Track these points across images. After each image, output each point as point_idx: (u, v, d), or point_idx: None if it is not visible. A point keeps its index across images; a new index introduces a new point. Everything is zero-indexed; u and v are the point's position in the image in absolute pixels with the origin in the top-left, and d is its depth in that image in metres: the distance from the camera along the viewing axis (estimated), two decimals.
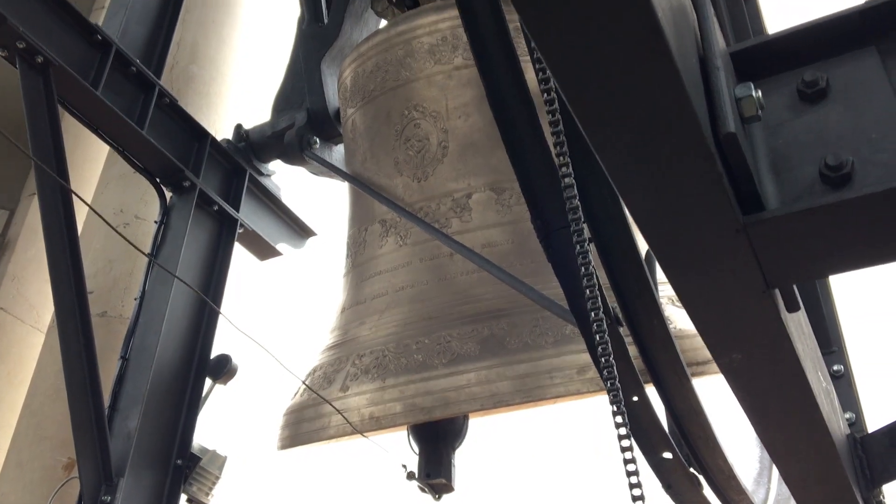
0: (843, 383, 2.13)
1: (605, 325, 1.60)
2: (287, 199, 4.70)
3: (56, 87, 3.30)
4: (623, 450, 1.53)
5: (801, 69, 1.02)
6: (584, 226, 1.91)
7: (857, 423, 2.09)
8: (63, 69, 3.33)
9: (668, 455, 2.34)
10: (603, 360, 1.57)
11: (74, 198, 3.36)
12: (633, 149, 0.83)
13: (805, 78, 1.00)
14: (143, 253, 3.69)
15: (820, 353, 1.55)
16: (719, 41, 0.96)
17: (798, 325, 1.24)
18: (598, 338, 1.58)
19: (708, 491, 2.47)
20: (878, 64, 1.00)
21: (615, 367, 1.83)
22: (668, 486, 2.44)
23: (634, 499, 1.54)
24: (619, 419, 1.52)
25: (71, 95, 3.45)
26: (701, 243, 0.93)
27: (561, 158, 1.77)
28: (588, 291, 1.62)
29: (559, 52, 0.73)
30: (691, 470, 2.40)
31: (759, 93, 0.94)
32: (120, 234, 3.19)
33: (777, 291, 1.04)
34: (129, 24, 3.84)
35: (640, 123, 0.80)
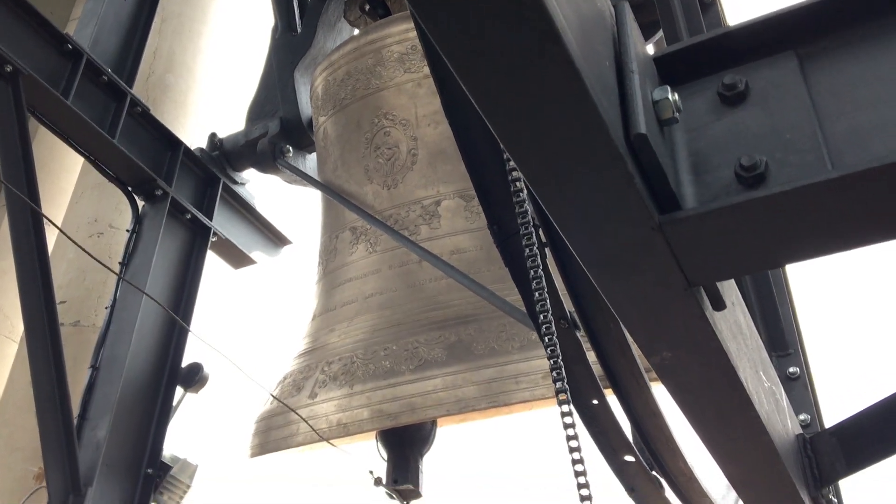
0: (799, 385, 2.16)
1: (553, 327, 1.61)
2: (264, 208, 4.71)
3: (25, 97, 3.30)
4: (571, 450, 1.55)
5: (723, 73, 1.05)
6: (539, 231, 1.93)
7: (812, 424, 2.11)
8: (33, 78, 3.33)
9: (629, 458, 2.37)
10: (552, 361, 1.58)
11: (48, 205, 3.35)
12: (542, 149, 0.85)
13: (725, 81, 1.02)
14: (111, 270, 3.69)
15: (765, 354, 1.57)
16: (637, 46, 0.98)
17: (733, 323, 1.25)
18: (546, 339, 1.60)
19: (671, 494, 2.49)
20: (795, 67, 1.02)
21: (564, 370, 1.85)
22: (632, 490, 2.46)
23: (582, 499, 1.56)
24: (567, 420, 1.54)
25: (41, 105, 3.46)
26: (619, 242, 0.94)
27: (511, 163, 1.79)
28: (537, 294, 1.64)
29: (460, 53, 0.74)
30: (653, 473, 2.42)
31: (676, 96, 0.96)
32: (85, 251, 3.19)
33: (702, 291, 1.06)
34: (100, 34, 3.85)
35: (546, 125, 0.82)
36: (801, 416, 2.08)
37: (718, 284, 1.10)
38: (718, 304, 1.08)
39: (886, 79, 0.95)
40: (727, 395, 1.19)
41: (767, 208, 0.91)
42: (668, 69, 1.07)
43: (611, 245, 0.95)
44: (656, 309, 1.05)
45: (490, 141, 1.95)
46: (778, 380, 1.72)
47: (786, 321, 2.24)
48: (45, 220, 3.29)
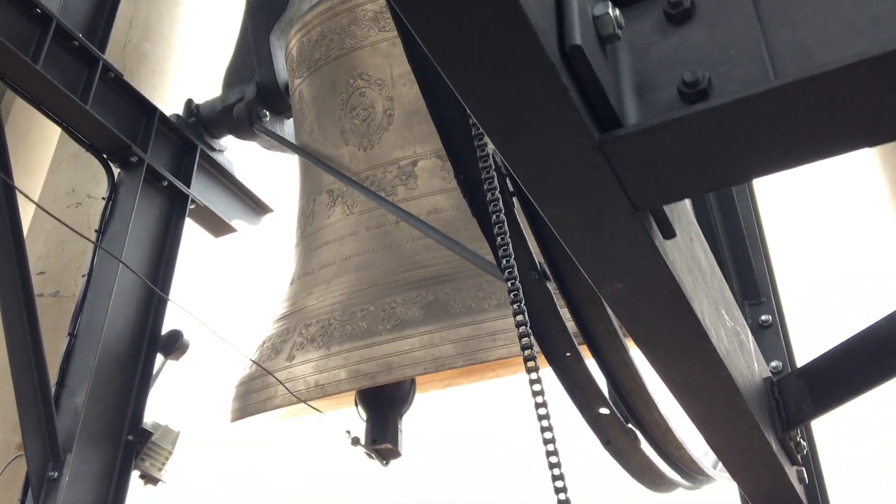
0: (772, 333, 2.15)
1: (516, 272, 1.59)
2: (247, 177, 4.66)
3: None
4: (534, 393, 1.53)
5: None
6: (507, 181, 1.91)
7: (784, 371, 2.10)
8: (0, 43, 3.27)
9: (604, 411, 2.36)
10: (515, 305, 1.56)
11: (26, 176, 3.31)
12: (473, 63, 0.82)
13: None
14: (86, 238, 3.66)
15: (729, 295, 1.55)
16: None
17: (690, 258, 1.24)
18: (510, 284, 1.58)
19: (647, 447, 2.49)
20: None
21: (535, 321, 1.84)
22: (607, 442, 2.45)
23: (549, 454, 1.55)
24: (530, 363, 1.52)
25: (10, 70, 3.40)
26: (559, 162, 0.92)
27: None
28: (499, 239, 1.61)
29: None
30: (629, 425, 2.41)
31: (617, 11, 0.93)
32: (59, 221, 3.16)
33: (650, 217, 1.04)
34: None
35: (474, 34, 0.79)
36: (773, 363, 2.08)
37: (670, 214, 1.08)
38: (668, 232, 1.06)
39: None
40: (681, 328, 1.17)
41: (709, 122, 0.88)
42: None
43: (551, 165, 0.92)
44: (603, 236, 1.02)
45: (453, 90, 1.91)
46: (745, 323, 1.70)
47: (758, 269, 2.22)
48: (29, 183, 3.25)
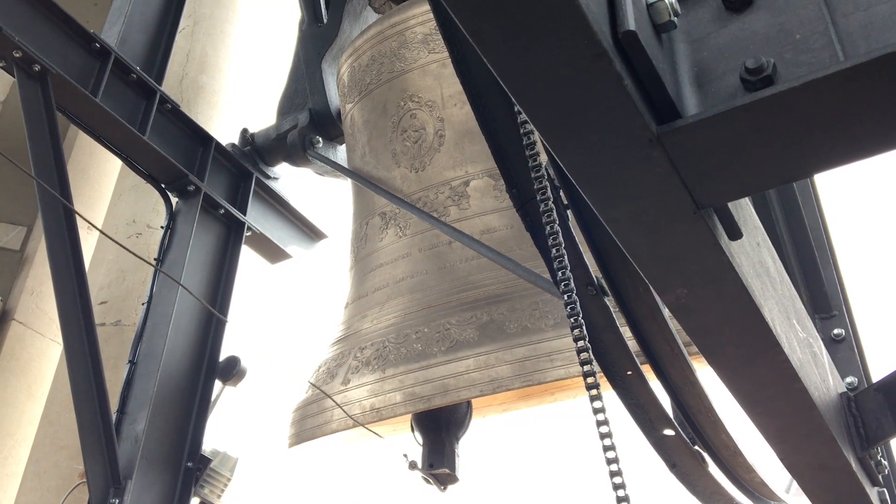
0: (845, 347, 2.04)
1: (572, 284, 1.54)
2: (300, 203, 4.70)
3: (55, 95, 3.32)
4: (598, 420, 1.47)
5: None
6: (560, 193, 1.86)
7: (860, 387, 1.99)
8: (61, 77, 3.35)
9: (669, 432, 2.27)
10: (573, 319, 1.51)
11: (88, 209, 3.37)
12: (523, 53, 0.78)
13: None
14: (148, 262, 3.70)
15: (800, 305, 1.47)
16: None
17: (758, 263, 1.17)
18: (566, 297, 1.52)
19: (715, 469, 2.38)
20: None
21: (593, 339, 1.78)
22: (673, 465, 2.36)
23: (610, 465, 1.48)
24: (590, 380, 1.46)
25: (70, 103, 3.48)
26: (615, 158, 0.87)
27: (527, 125, 1.72)
28: (555, 251, 1.56)
29: None
30: (695, 447, 2.31)
31: None
32: (120, 245, 3.20)
33: (714, 217, 0.98)
34: (128, 32, 3.87)
35: (523, 20, 0.75)
36: (848, 379, 1.97)
37: (735, 213, 1.02)
38: (734, 232, 1.00)
39: None
40: (751, 336, 1.11)
41: (776, 109, 0.83)
42: None
43: (607, 162, 0.88)
44: (664, 238, 0.97)
45: (505, 103, 1.88)
46: (817, 335, 1.61)
47: (829, 281, 2.12)
48: (78, 218, 3.31)
